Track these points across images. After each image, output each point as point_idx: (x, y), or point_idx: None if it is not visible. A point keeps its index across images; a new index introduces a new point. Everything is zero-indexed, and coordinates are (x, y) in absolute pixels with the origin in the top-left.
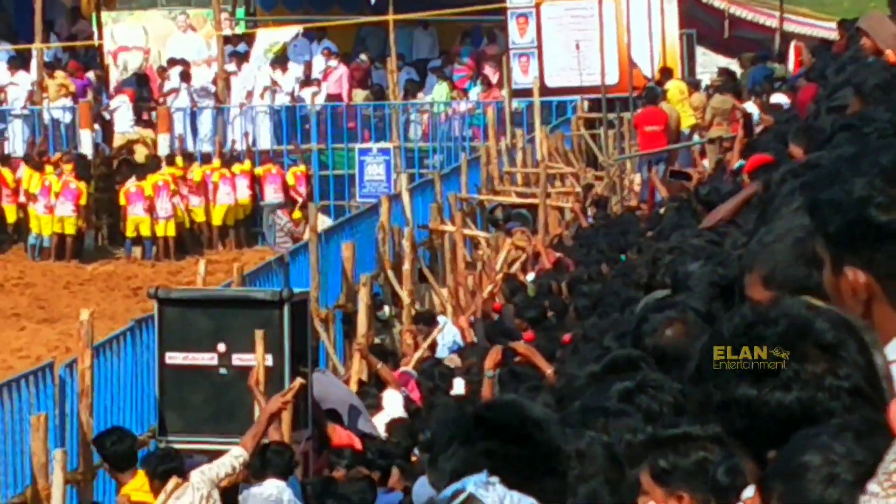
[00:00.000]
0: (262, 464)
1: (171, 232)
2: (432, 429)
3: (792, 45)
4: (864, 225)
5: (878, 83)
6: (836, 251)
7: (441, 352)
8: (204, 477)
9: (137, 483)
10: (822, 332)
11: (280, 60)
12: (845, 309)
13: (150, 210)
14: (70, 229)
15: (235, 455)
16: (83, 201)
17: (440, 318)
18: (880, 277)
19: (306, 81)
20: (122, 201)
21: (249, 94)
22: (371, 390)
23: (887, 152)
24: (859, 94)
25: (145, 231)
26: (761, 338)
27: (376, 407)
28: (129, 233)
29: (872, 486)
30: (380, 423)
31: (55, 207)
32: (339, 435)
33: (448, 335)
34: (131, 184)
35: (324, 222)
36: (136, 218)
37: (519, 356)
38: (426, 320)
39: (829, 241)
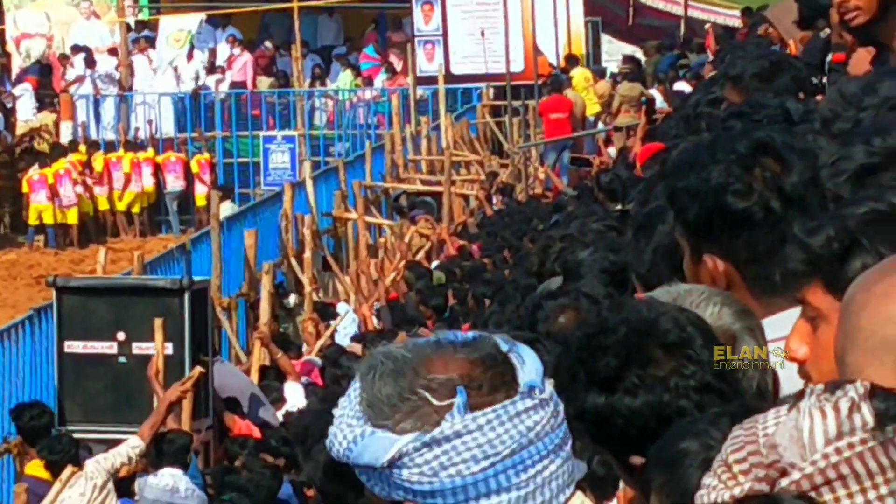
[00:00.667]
0: (159, 453)
1: (74, 220)
2: (306, 422)
3: (706, 27)
4: (722, 212)
5: (756, 72)
6: (694, 239)
7: (342, 340)
8: (99, 466)
9: (41, 463)
10: (665, 333)
11: (185, 49)
12: None
13: (53, 198)
14: None
15: (132, 445)
16: None
17: (341, 306)
18: (738, 264)
19: (210, 69)
20: (25, 189)
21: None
22: (273, 384)
23: (743, 139)
24: (737, 86)
25: (48, 219)
26: (603, 347)
27: (279, 400)
28: (32, 221)
29: (708, 479)
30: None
31: None
32: (239, 425)
33: (349, 324)
34: (34, 171)
35: (229, 209)
36: (38, 206)
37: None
38: (325, 314)
39: (687, 230)
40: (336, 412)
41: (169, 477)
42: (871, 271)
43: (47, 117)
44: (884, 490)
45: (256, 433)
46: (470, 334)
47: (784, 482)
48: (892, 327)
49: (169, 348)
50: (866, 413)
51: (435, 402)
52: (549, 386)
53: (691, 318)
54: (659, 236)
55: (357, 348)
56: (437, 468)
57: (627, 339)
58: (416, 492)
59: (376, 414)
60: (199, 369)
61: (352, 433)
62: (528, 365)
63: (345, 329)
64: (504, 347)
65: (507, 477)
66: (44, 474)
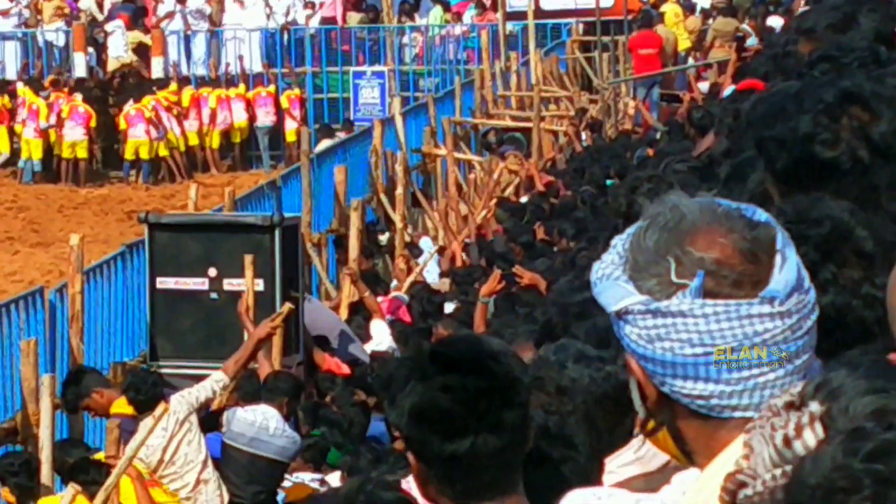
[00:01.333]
0: (256, 389)
1: (167, 154)
2: (390, 368)
3: None
4: (810, 162)
5: (830, 23)
6: (784, 188)
7: (431, 275)
8: (182, 401)
9: (124, 401)
10: (861, 240)
11: None
12: None
13: (149, 133)
14: (82, 153)
15: (216, 380)
16: (93, 124)
17: (424, 241)
18: None
19: (301, 4)
20: (123, 125)
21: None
22: (357, 319)
23: (831, 89)
24: (810, 38)
25: (144, 154)
26: (804, 237)
27: (364, 337)
28: (129, 155)
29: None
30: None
31: (63, 132)
32: (328, 362)
33: (434, 261)
34: (130, 107)
35: (325, 145)
36: (135, 141)
37: (524, 282)
38: (415, 252)
39: (777, 179)
40: (614, 240)
41: (260, 414)
42: None
43: (137, 55)
44: None
45: (346, 370)
46: (764, 216)
47: (741, 494)
48: None
49: (259, 285)
50: (809, 438)
51: (674, 277)
52: (795, 299)
53: (879, 236)
54: (752, 185)
55: (445, 284)
56: (653, 337)
57: (830, 235)
58: (633, 350)
59: (633, 261)
60: (289, 305)
61: (605, 270)
62: (784, 273)
63: (431, 266)
64: (779, 245)
65: (718, 370)
66: (129, 410)
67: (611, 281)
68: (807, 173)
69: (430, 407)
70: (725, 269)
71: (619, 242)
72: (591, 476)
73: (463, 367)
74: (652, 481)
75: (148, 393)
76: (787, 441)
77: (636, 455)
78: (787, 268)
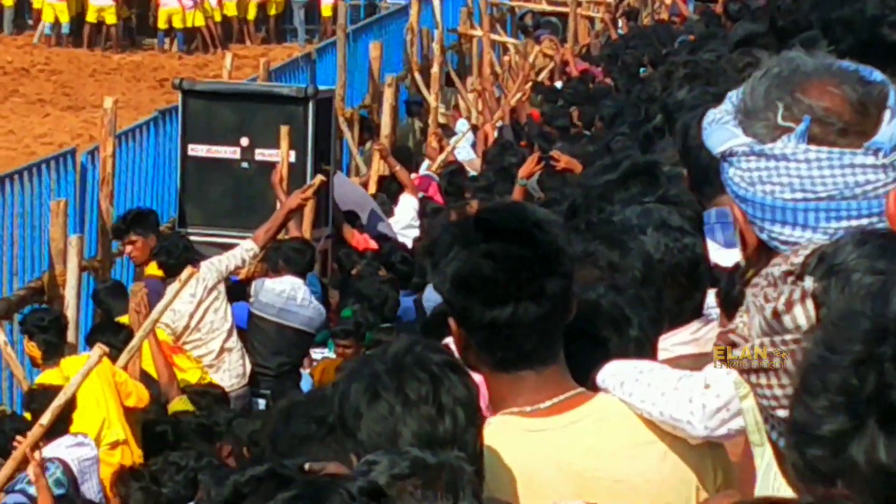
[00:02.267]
0: (281, 259)
1: (202, 23)
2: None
3: None
4: (876, 43)
5: None
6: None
7: (461, 154)
8: (212, 268)
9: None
10: None
11: None
12: None
13: (181, 1)
14: (111, 19)
15: (246, 248)
16: None
17: (461, 123)
18: None
19: None
20: None
21: None
22: (381, 196)
23: None
24: None
25: (177, 23)
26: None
27: (388, 213)
28: (162, 24)
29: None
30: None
31: None
32: (357, 237)
33: (467, 142)
34: None
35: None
36: (168, 10)
37: (560, 165)
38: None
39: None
40: (729, 93)
41: (287, 283)
42: None
43: None
44: None
45: (374, 246)
46: (881, 76)
47: (731, 354)
48: None
49: (292, 156)
50: (798, 314)
51: (780, 120)
52: None
53: None
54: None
55: (477, 163)
56: (755, 179)
57: None
58: (734, 192)
59: (743, 106)
60: (320, 177)
61: (716, 115)
62: (892, 126)
63: (464, 146)
64: (890, 101)
65: (816, 217)
66: (159, 273)
67: (719, 125)
68: (873, 54)
69: (472, 273)
70: (833, 117)
71: (735, 93)
72: (642, 353)
73: (507, 234)
74: (700, 361)
75: (179, 257)
76: (776, 314)
77: (693, 336)
78: (895, 122)
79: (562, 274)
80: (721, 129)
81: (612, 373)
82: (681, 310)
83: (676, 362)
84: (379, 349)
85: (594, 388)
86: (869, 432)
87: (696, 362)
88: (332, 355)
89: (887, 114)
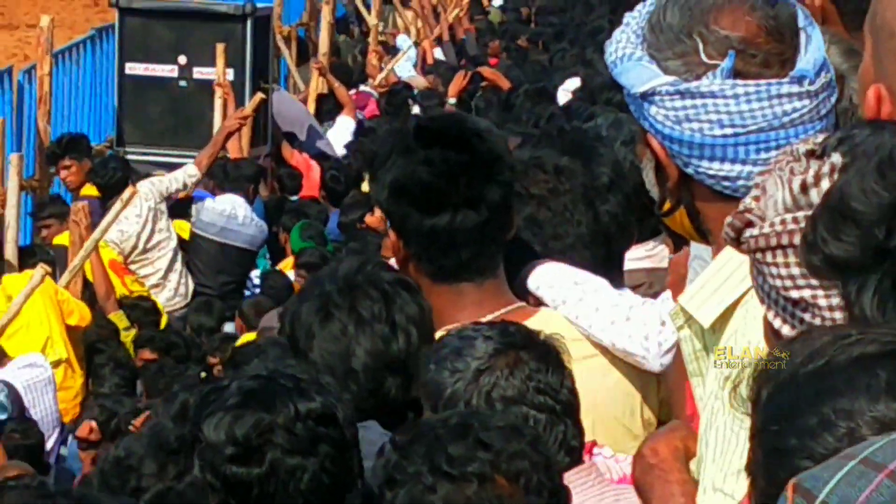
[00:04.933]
0: (223, 177)
1: None
2: (374, 145)
3: None
4: None
5: None
6: None
7: (402, 71)
8: (153, 188)
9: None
10: None
11: None
12: None
13: None
14: None
15: (189, 173)
16: None
17: (401, 39)
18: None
19: None
20: None
21: None
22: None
23: None
24: None
25: None
26: None
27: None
28: None
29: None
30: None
31: None
32: (296, 157)
33: (411, 56)
34: None
35: None
36: None
37: (485, 79)
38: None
39: None
40: (626, 17)
41: (228, 202)
42: None
43: None
44: None
45: (314, 166)
46: None
47: (746, 233)
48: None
49: (229, 74)
50: (827, 188)
51: (704, 57)
52: (823, 79)
53: None
54: None
55: (420, 80)
56: (682, 118)
57: None
58: (658, 130)
59: (654, 40)
60: (260, 96)
61: (623, 50)
62: (810, 51)
63: (405, 64)
64: (801, 22)
65: (746, 150)
66: (96, 193)
67: (633, 62)
68: None
69: (410, 180)
70: (752, 48)
71: (633, 20)
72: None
73: (446, 141)
74: (652, 276)
75: (111, 177)
76: (804, 187)
77: (648, 252)
78: (812, 46)
79: (501, 182)
80: (637, 67)
81: (549, 283)
82: (641, 228)
83: (630, 276)
84: (328, 269)
85: (523, 289)
86: (873, 283)
87: (648, 276)
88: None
89: (802, 37)
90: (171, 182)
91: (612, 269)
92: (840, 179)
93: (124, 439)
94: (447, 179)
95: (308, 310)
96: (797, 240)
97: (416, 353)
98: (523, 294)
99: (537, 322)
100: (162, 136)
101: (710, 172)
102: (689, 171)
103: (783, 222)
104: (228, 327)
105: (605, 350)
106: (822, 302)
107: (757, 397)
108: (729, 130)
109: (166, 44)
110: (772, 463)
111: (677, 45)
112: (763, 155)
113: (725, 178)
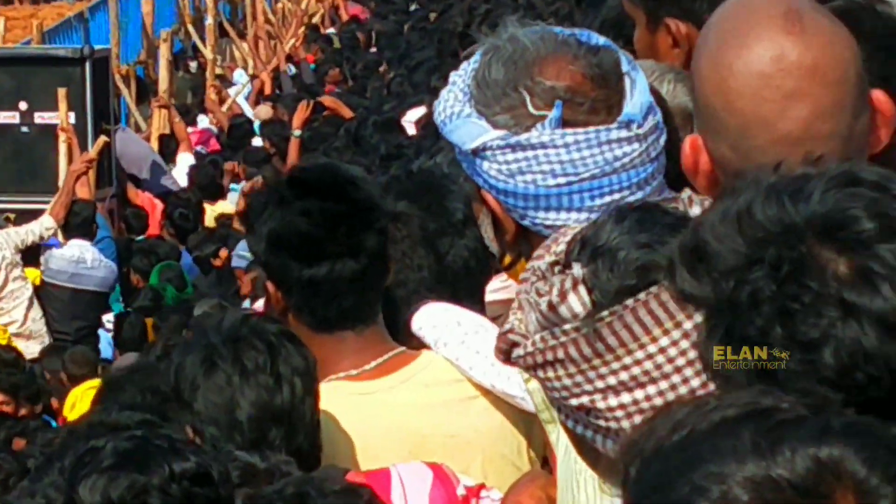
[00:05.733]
0: (65, 225)
1: None
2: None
3: None
4: None
5: None
6: (653, 4)
7: (243, 105)
8: (9, 239)
9: None
10: None
11: None
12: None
13: None
14: None
15: (46, 225)
16: None
17: (238, 74)
18: (700, 25)
19: None
20: None
21: None
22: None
23: None
24: None
25: None
26: None
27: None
28: None
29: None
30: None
31: None
32: (140, 196)
33: (246, 92)
34: None
35: None
36: None
37: (326, 108)
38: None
39: None
40: (451, 76)
41: (76, 248)
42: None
43: None
44: (591, 375)
45: (158, 204)
46: (602, 40)
47: (513, 354)
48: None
49: (71, 118)
50: (574, 302)
51: (532, 109)
52: (651, 121)
53: None
54: (605, 10)
55: (266, 111)
56: (514, 171)
57: None
58: (492, 185)
59: (481, 96)
60: (104, 139)
61: (452, 109)
62: (636, 95)
63: (244, 96)
64: (625, 67)
65: (581, 198)
66: None
67: (462, 119)
68: None
69: (288, 231)
70: (579, 97)
71: (459, 78)
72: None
73: (321, 191)
74: (508, 307)
75: None
76: (552, 307)
77: (503, 283)
78: (637, 90)
79: (378, 230)
80: (466, 124)
81: (432, 324)
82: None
83: (488, 307)
84: (212, 321)
85: (408, 333)
86: (718, 332)
87: (503, 308)
88: None
89: (627, 81)
90: (28, 234)
91: (471, 306)
92: (698, 219)
93: None
94: (325, 229)
95: (192, 361)
96: (561, 354)
97: (300, 405)
98: (407, 335)
99: (419, 365)
100: (6, 182)
101: (547, 223)
102: (526, 223)
103: (543, 339)
104: None
105: (486, 392)
106: (601, 405)
107: (625, 476)
108: (562, 179)
109: (7, 90)
110: None
111: (504, 100)
112: (598, 201)
113: (563, 226)
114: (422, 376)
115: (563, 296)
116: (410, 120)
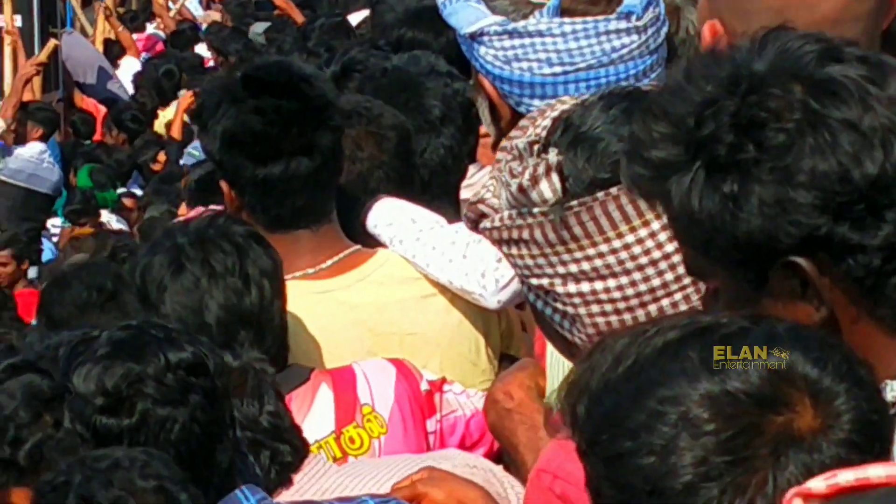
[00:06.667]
0: (30, 123)
1: None
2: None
3: None
4: None
5: None
6: None
7: (192, 9)
8: None
9: None
10: None
11: None
12: None
13: None
14: None
15: None
16: None
17: None
18: None
19: None
20: None
21: None
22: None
23: None
24: None
25: None
26: None
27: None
28: None
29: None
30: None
31: None
32: (86, 101)
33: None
34: None
35: None
36: None
37: (277, 7)
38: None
39: None
40: None
41: (37, 147)
42: None
43: None
44: (554, 259)
45: (102, 109)
46: None
47: (481, 224)
48: None
49: (17, 21)
50: (545, 189)
51: None
52: (651, 13)
53: None
54: None
55: (213, 15)
56: (511, 57)
57: None
58: (489, 71)
59: None
60: (53, 42)
61: None
62: None
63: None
64: None
65: (576, 88)
66: None
67: (462, 2)
68: None
69: (242, 130)
70: None
71: None
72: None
73: (275, 89)
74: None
75: None
76: (522, 189)
77: (467, 182)
78: None
79: (332, 128)
80: (465, 8)
81: (387, 221)
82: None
83: (463, 203)
84: (178, 223)
85: (364, 230)
86: (690, 175)
87: (465, 206)
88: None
89: None
90: None
91: (445, 204)
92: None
93: None
94: (279, 127)
95: (160, 262)
96: (526, 235)
97: (268, 307)
98: (363, 233)
99: (375, 263)
100: None
101: None
102: (522, 110)
103: (511, 217)
104: (32, 272)
105: (444, 289)
106: (560, 289)
107: (574, 416)
108: (558, 69)
109: None
110: (613, 470)
111: None
112: (594, 92)
113: None
114: (378, 274)
115: (534, 181)
116: (354, 22)
